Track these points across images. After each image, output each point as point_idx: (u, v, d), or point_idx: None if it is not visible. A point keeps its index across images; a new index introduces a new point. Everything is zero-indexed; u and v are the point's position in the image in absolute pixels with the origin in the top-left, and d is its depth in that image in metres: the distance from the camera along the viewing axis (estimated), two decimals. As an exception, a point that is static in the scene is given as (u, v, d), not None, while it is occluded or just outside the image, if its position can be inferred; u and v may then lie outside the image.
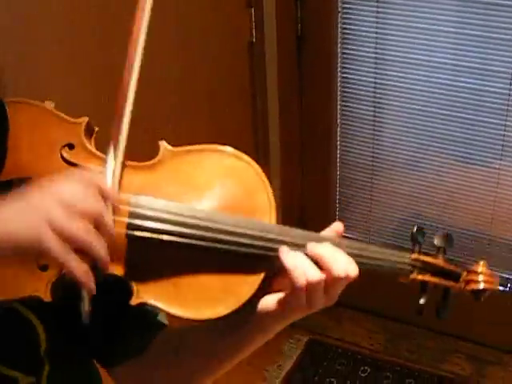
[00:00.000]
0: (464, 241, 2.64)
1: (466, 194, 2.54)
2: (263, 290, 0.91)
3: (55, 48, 1.69)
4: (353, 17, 2.47)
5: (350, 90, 2.60)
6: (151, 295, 0.88)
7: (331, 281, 0.87)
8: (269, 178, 0.94)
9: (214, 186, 0.93)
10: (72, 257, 0.76)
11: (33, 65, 1.63)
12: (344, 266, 0.87)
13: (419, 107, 2.50)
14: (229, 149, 0.94)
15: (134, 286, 0.88)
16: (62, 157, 0.92)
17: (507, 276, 2.64)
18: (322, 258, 0.88)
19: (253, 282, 0.89)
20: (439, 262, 0.96)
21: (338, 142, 2.69)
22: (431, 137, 2.51)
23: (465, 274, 0.96)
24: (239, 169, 0.93)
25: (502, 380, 2.66)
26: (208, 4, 2.22)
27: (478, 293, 0.96)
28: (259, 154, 2.63)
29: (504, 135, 2.40)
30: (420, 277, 0.95)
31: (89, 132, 0.95)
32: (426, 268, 0.95)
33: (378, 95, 2.56)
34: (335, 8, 2.46)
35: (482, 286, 0.96)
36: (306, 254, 0.89)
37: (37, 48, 1.64)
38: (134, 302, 0.87)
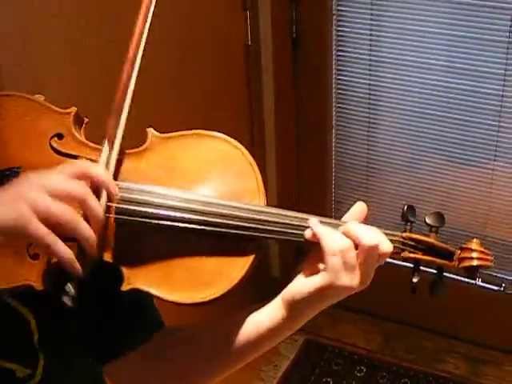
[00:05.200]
0: (458, 241, 2.65)
1: (460, 194, 2.56)
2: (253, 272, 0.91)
3: (55, 48, 1.70)
4: (347, 19, 2.48)
5: (345, 92, 2.61)
6: (142, 281, 0.88)
7: (363, 252, 0.87)
8: (264, 180, 0.95)
9: (202, 170, 0.94)
10: (56, 239, 0.77)
11: (32, 64, 1.64)
12: (374, 236, 0.89)
13: (413, 108, 2.51)
14: (217, 133, 0.96)
15: (125, 272, 0.88)
16: (52, 147, 0.93)
17: (502, 276, 2.65)
18: (350, 231, 0.89)
19: (243, 264, 0.89)
20: (432, 240, 0.95)
21: (334, 144, 2.70)
22: (425, 138, 2.53)
23: (458, 252, 0.96)
24: (227, 152, 0.94)
25: (498, 379, 2.67)
26: (204, 7, 2.22)
27: (472, 270, 0.96)
28: (255, 154, 2.63)
29: (498, 136, 2.41)
30: (412, 255, 0.94)
31: (78, 122, 0.96)
32: (417, 246, 0.95)
33: (373, 97, 2.57)
34: (330, 10, 2.47)
35: (475, 262, 0.96)
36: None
37: (36, 47, 1.65)
38: (125, 287, 0.88)
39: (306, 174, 2.83)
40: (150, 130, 0.96)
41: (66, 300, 0.84)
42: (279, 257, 2.97)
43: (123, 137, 0.92)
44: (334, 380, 2.69)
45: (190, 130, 0.97)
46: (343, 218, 0.94)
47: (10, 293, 0.89)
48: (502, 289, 2.67)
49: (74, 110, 0.96)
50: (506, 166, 2.45)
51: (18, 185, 0.79)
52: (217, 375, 1.02)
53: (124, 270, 0.88)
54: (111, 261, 0.88)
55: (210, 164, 0.94)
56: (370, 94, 2.57)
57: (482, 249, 0.97)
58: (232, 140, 0.95)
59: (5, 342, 0.95)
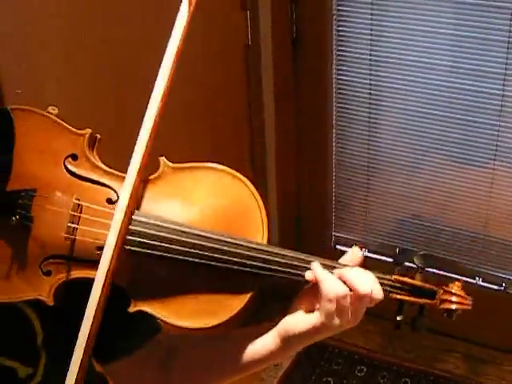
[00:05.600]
0: (459, 241, 2.65)
1: (461, 194, 2.56)
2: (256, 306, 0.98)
3: (53, 48, 1.70)
4: (347, 19, 2.48)
5: (345, 92, 2.61)
6: (148, 305, 0.93)
7: (357, 298, 0.94)
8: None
9: (210, 205, 0.97)
10: None
11: (32, 64, 1.64)
12: (368, 284, 0.94)
13: (414, 108, 2.51)
14: (226, 168, 0.98)
15: (132, 298, 0.94)
16: (66, 168, 0.94)
17: (502, 276, 2.66)
18: (346, 277, 0.94)
19: (243, 297, 0.94)
20: (417, 282, 1.00)
21: (334, 144, 2.70)
22: (426, 138, 2.53)
23: (441, 292, 1.01)
24: (235, 188, 0.97)
25: (498, 379, 2.67)
26: (203, 7, 2.22)
27: (450, 312, 1.02)
28: (255, 155, 2.63)
29: (498, 135, 2.41)
30: (398, 296, 1.00)
31: (92, 143, 0.97)
32: (404, 288, 1.00)
33: (374, 96, 2.57)
34: (330, 10, 2.47)
35: (454, 306, 1.01)
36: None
37: (36, 47, 1.65)
38: (131, 309, 0.94)
39: (306, 173, 2.83)
40: (163, 159, 0.97)
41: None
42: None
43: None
44: (334, 379, 2.69)
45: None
46: (340, 261, 0.99)
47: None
48: (503, 288, 2.69)
49: (88, 131, 0.96)
50: (506, 165, 2.45)
51: None
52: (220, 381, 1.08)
53: (132, 295, 0.94)
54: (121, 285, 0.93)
55: (218, 199, 0.97)
56: (370, 94, 2.57)
57: (462, 293, 1.02)
58: (241, 176, 0.98)
59: (7, 340, 0.95)
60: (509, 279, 2.64)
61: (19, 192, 0.91)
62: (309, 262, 0.95)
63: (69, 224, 0.90)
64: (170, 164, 0.97)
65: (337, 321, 0.95)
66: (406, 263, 1.01)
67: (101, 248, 0.89)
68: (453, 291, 1.02)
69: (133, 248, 0.92)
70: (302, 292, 0.99)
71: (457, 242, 2.65)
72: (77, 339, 0.89)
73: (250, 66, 2.55)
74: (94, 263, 0.89)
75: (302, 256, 0.96)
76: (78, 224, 0.91)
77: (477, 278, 2.66)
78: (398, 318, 1.01)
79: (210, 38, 2.27)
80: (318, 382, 2.68)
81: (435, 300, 1.01)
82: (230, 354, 1.03)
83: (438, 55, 2.39)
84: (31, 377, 0.98)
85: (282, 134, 2.71)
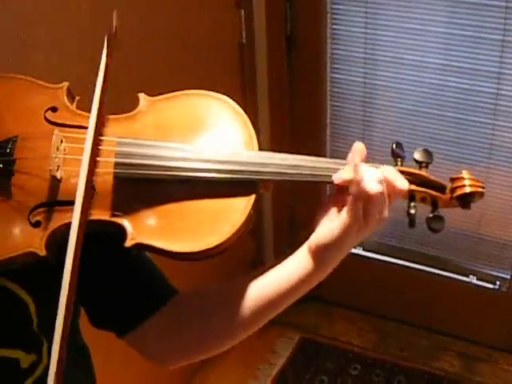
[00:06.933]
0: (453, 239, 2.65)
1: (455, 192, 2.56)
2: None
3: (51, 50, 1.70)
4: (342, 17, 2.48)
5: (339, 90, 2.62)
6: (145, 235, 0.89)
7: (390, 193, 0.92)
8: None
9: (195, 125, 0.96)
10: None
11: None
12: (403, 181, 0.93)
13: (408, 107, 2.52)
14: (205, 92, 0.98)
15: (127, 228, 0.89)
16: (46, 119, 0.94)
17: (497, 274, 2.66)
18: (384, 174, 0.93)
19: (245, 206, 0.91)
20: (423, 173, 0.97)
21: (328, 142, 2.71)
22: (420, 136, 2.53)
23: (449, 185, 0.97)
24: (217, 106, 0.97)
25: (492, 377, 2.68)
26: (197, 5, 2.22)
27: (465, 198, 0.96)
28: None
29: (492, 134, 2.41)
30: None
31: (71, 96, 0.97)
32: (410, 179, 0.96)
33: (368, 95, 2.57)
34: (324, 8, 2.47)
35: (468, 189, 0.95)
36: None
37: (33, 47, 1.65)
38: (128, 243, 0.88)
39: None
40: (142, 95, 0.98)
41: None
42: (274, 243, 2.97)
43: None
44: (328, 378, 2.69)
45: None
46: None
47: (15, 265, 0.89)
48: (497, 287, 2.70)
49: (65, 84, 0.97)
50: (500, 164, 2.46)
51: None
52: (236, 336, 1.01)
53: (126, 225, 0.89)
54: (109, 219, 0.89)
55: (203, 119, 0.97)
56: (364, 93, 2.57)
57: (472, 177, 0.97)
58: (220, 95, 0.98)
59: (5, 328, 0.95)
60: (503, 278, 2.65)
61: (2, 142, 0.91)
62: (326, 169, 0.96)
63: (52, 166, 0.88)
64: (149, 97, 0.97)
65: (366, 221, 0.91)
66: (403, 155, 0.99)
67: None
68: (463, 176, 0.97)
69: (118, 171, 0.90)
70: (321, 207, 0.98)
71: (451, 241, 2.65)
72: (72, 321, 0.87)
73: (244, 64, 2.55)
74: None
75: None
76: (62, 165, 0.89)
77: (471, 277, 2.67)
78: (412, 211, 0.95)
79: (204, 36, 2.27)
80: (313, 380, 2.69)
81: (446, 193, 0.96)
82: (259, 287, 0.96)
83: (432, 54, 2.39)
84: (36, 363, 0.97)
85: (276, 132, 2.71)
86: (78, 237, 0.83)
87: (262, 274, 0.97)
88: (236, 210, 0.90)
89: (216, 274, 1.94)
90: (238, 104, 1.00)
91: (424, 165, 0.99)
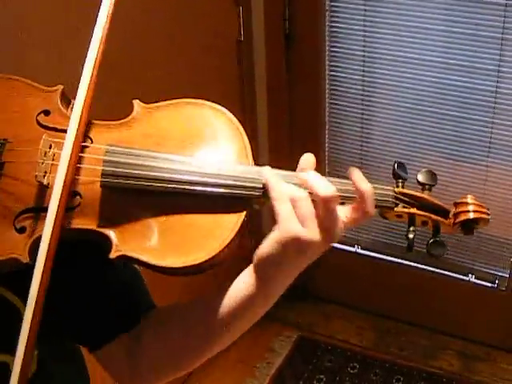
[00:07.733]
0: (452, 238, 2.65)
1: (454, 191, 2.55)
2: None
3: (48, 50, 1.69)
4: (340, 15, 2.48)
5: (338, 88, 2.61)
6: (130, 246, 0.86)
7: (319, 203, 0.85)
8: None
9: (188, 136, 0.93)
10: None
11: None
12: (331, 188, 0.89)
13: (407, 105, 2.51)
14: (201, 100, 0.96)
15: (113, 238, 0.86)
16: (38, 122, 0.92)
17: (496, 273, 2.66)
18: (305, 179, 0.89)
19: (235, 222, 0.87)
20: (425, 196, 0.93)
21: (327, 140, 2.70)
22: (419, 134, 2.52)
23: (453, 209, 0.93)
24: (213, 118, 0.95)
25: (491, 376, 2.68)
26: (196, 2, 2.21)
27: (469, 225, 0.92)
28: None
29: (491, 132, 2.41)
30: (406, 209, 0.91)
31: (65, 100, 0.95)
32: (411, 202, 0.92)
33: (367, 93, 2.56)
34: (323, 6, 2.47)
35: (472, 215, 0.91)
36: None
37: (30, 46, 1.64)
38: (113, 255, 0.86)
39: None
40: (136, 101, 0.95)
41: None
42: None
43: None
44: (326, 376, 2.69)
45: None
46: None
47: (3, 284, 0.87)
48: (496, 286, 2.69)
49: (60, 87, 0.95)
50: (499, 162, 2.45)
51: None
52: (209, 352, 0.98)
53: (111, 236, 0.86)
54: (95, 228, 0.87)
55: (197, 130, 0.94)
56: (363, 91, 2.56)
57: (477, 202, 0.93)
58: (218, 106, 0.96)
59: None
60: (502, 276, 2.65)
61: None
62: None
63: (38, 172, 0.86)
64: (144, 104, 0.95)
65: (297, 227, 0.83)
66: (405, 176, 0.94)
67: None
68: (467, 201, 0.93)
69: (104, 180, 0.87)
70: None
71: (449, 239, 2.65)
72: (64, 326, 0.85)
73: (242, 62, 2.54)
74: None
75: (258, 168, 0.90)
76: (49, 172, 0.87)
77: (470, 276, 2.67)
78: (410, 236, 0.91)
79: (202, 34, 2.26)
80: (311, 379, 2.68)
81: (449, 218, 0.92)
82: (220, 304, 0.92)
83: (431, 51, 2.39)
84: None
85: (274, 130, 2.71)
86: (49, 248, 0.82)
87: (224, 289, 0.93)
88: (226, 227, 0.87)
89: (216, 273, 1.93)
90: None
91: (427, 187, 0.95)
